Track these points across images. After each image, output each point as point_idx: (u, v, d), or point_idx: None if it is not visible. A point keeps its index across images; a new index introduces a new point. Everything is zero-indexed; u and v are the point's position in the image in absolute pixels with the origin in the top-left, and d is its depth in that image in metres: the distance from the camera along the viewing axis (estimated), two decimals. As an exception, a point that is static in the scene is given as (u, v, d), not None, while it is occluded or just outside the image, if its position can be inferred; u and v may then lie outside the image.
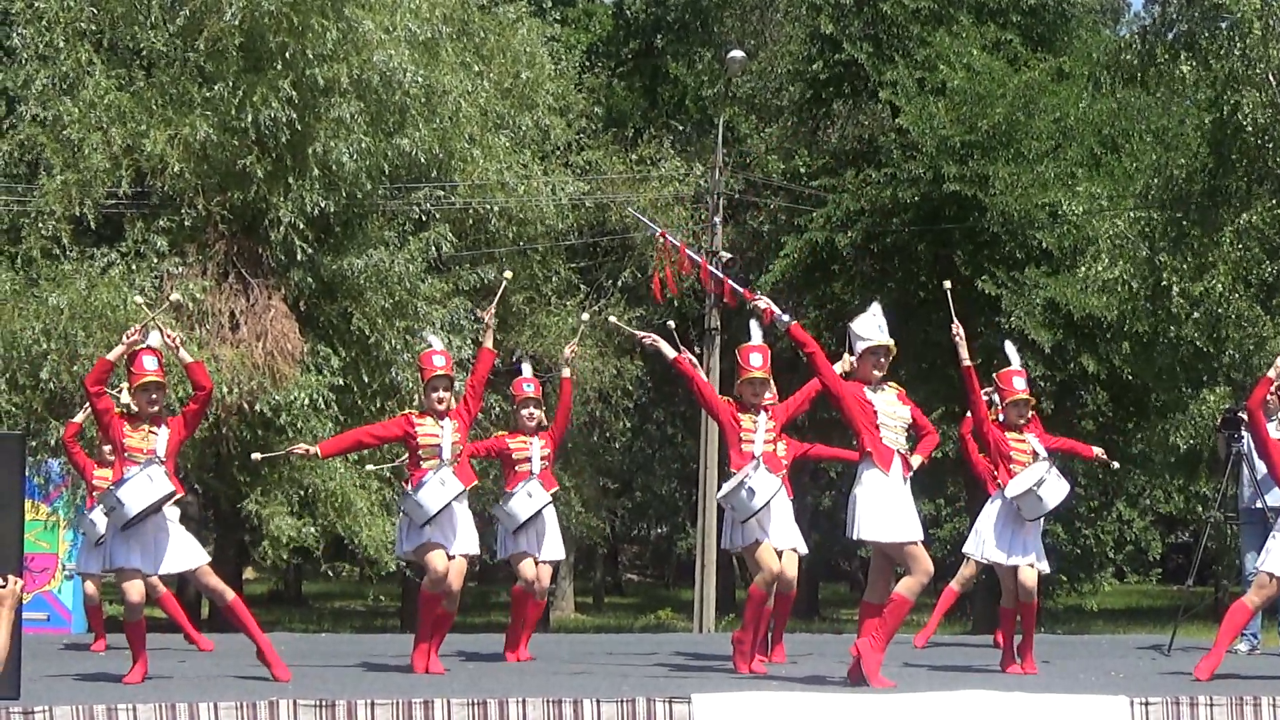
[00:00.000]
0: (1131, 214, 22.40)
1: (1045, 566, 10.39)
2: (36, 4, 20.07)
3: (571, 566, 36.44)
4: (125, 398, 9.88)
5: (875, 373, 9.11)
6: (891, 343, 9.20)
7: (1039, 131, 24.59)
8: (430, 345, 10.43)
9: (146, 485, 9.09)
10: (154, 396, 9.34)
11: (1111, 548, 36.95)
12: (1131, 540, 38.12)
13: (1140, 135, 24.92)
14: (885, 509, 8.91)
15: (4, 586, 6.52)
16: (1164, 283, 20.38)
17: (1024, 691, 8.47)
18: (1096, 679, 9.80)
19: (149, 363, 9.35)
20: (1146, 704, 8.28)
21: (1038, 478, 10.03)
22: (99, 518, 11.37)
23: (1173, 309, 20.26)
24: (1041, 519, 10.29)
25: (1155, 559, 44.34)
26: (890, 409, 9.09)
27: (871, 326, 9.18)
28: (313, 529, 20.10)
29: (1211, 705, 8.33)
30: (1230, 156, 19.97)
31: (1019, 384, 10.51)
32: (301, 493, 19.92)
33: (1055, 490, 10.07)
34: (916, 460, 9.32)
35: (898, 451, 9.03)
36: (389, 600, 33.55)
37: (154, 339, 9.51)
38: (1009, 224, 24.10)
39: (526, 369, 11.64)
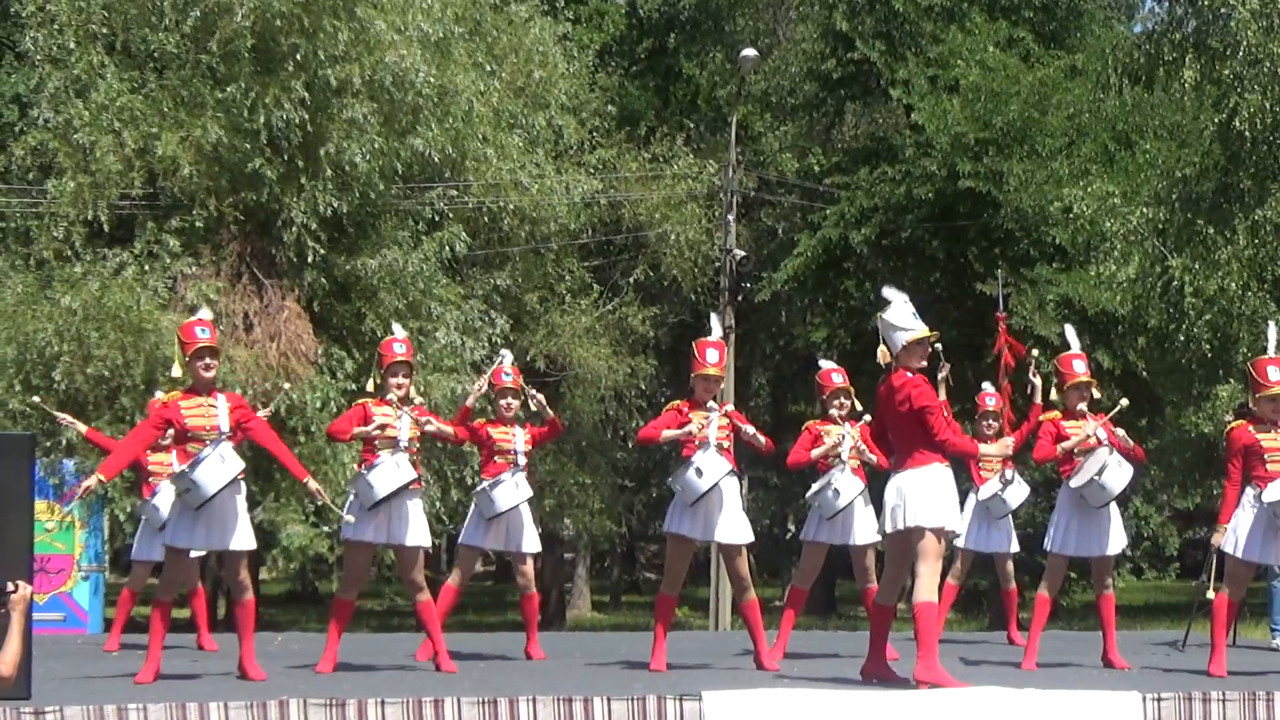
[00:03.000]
0: (1144, 211, 22.31)
1: (1123, 540, 10.34)
2: (48, 6, 20.06)
3: (588, 566, 36.44)
4: (175, 371, 9.92)
5: (920, 363, 8.88)
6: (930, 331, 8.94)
7: (1053, 128, 24.56)
8: (393, 334, 10.38)
9: (219, 465, 9.11)
10: (209, 362, 9.39)
11: (1129, 544, 36.88)
12: (1149, 536, 38.02)
13: (1154, 131, 24.86)
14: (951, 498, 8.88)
15: (14, 592, 6.48)
16: (1175, 281, 20.29)
17: (1036, 687, 8.45)
18: (1109, 674, 9.79)
19: (201, 332, 9.41)
20: (1159, 699, 8.26)
21: (1100, 465, 9.86)
22: (164, 502, 11.00)
23: (1185, 307, 20.16)
24: (1113, 504, 10.12)
25: (1173, 555, 44.27)
26: None
27: (907, 316, 8.84)
28: (324, 538, 20.05)
29: (1224, 700, 8.31)
30: (1240, 154, 19.87)
31: (1079, 367, 10.30)
32: (314, 504, 19.86)
33: (1118, 476, 9.90)
34: None
35: None
36: (405, 600, 33.51)
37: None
38: (1023, 221, 24.05)
39: (507, 358, 11.42)
